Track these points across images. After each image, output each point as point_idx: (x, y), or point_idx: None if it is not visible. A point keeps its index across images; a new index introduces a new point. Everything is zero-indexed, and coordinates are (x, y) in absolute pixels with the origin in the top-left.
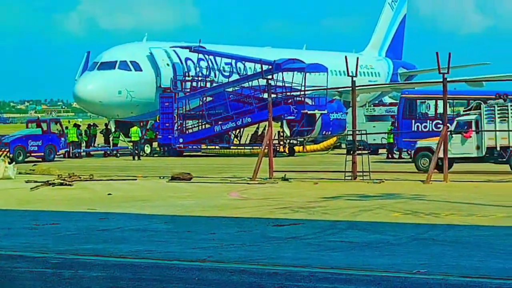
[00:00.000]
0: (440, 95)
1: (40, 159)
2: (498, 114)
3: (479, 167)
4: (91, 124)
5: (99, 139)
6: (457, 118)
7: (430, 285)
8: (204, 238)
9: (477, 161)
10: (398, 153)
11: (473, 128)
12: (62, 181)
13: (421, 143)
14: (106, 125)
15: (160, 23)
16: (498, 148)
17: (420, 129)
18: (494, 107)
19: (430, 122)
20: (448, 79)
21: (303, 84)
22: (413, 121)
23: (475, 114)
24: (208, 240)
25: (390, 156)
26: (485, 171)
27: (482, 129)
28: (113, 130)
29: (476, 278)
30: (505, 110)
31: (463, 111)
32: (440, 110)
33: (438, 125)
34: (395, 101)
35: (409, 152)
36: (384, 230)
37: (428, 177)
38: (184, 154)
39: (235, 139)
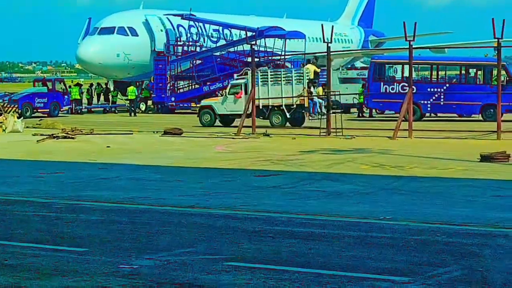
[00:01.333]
0: (406, 60)
1: (46, 115)
2: (269, 78)
3: (441, 126)
4: (93, 84)
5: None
6: (231, 82)
7: (395, 230)
8: (193, 187)
9: (246, 117)
10: (367, 111)
11: (243, 90)
12: (65, 135)
13: (203, 102)
14: (106, 84)
15: None
16: (261, 107)
17: (388, 91)
18: (266, 72)
19: (397, 84)
20: (413, 46)
21: (283, 49)
22: (382, 83)
23: (244, 78)
24: (196, 189)
25: (360, 115)
26: (447, 129)
27: (248, 91)
28: (112, 89)
29: (437, 224)
30: (278, 76)
31: (236, 75)
32: (406, 74)
33: (404, 87)
34: (366, 66)
35: (377, 111)
36: (355, 181)
37: (394, 133)
38: (176, 111)
39: None
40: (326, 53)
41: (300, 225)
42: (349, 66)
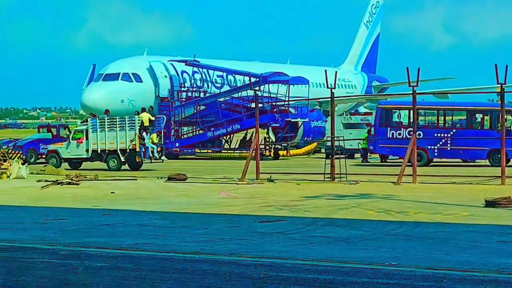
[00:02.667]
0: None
1: None
2: (106, 124)
3: (444, 172)
4: None
5: None
6: (75, 128)
7: (400, 276)
8: (198, 233)
9: (86, 160)
10: (371, 156)
11: (85, 136)
12: (70, 181)
13: (50, 147)
14: None
15: (159, 39)
16: (99, 151)
17: (394, 136)
18: (104, 120)
19: (404, 129)
20: (417, 92)
21: (287, 95)
22: (389, 128)
23: (86, 125)
24: (201, 235)
25: (364, 160)
26: (451, 175)
27: (89, 137)
28: None
29: (442, 270)
30: (113, 122)
31: (80, 122)
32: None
33: (411, 133)
34: (369, 111)
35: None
36: (359, 226)
37: (399, 178)
38: (180, 157)
39: (226, 143)
40: (330, 99)
41: (305, 271)
42: (353, 111)
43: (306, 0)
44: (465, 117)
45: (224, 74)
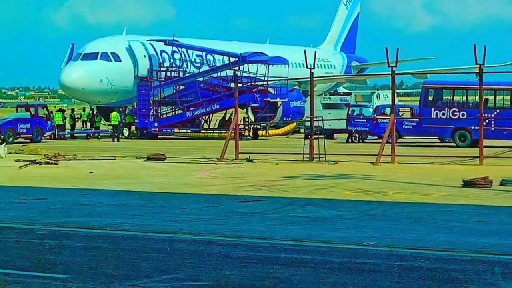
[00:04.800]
0: (459, 85)
1: (29, 140)
2: None
3: (423, 152)
4: (75, 109)
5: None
6: None
7: (378, 256)
8: (176, 213)
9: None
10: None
11: None
12: (48, 160)
13: None
14: (93, 110)
15: (139, 18)
16: None
17: (438, 116)
18: None
19: (448, 109)
20: (396, 72)
21: (266, 75)
22: (433, 109)
23: None
24: (179, 214)
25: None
26: (430, 155)
27: None
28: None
29: (420, 250)
30: None
31: None
32: (457, 98)
33: (455, 113)
34: (349, 91)
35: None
36: (338, 206)
37: (377, 159)
38: (159, 137)
39: (205, 123)
40: (309, 79)
41: (284, 251)
42: (332, 91)
43: None
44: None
45: (203, 53)
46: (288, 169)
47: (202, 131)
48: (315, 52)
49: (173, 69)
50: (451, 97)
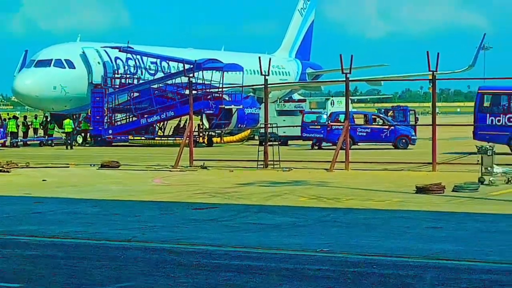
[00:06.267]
0: None
1: None
2: None
3: (378, 158)
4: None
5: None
6: None
7: (332, 262)
8: (130, 220)
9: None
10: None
11: None
12: (0, 168)
13: None
14: (46, 117)
15: (93, 25)
16: None
17: (494, 123)
18: None
19: (504, 116)
20: (350, 79)
21: (221, 81)
22: (488, 115)
23: None
24: (133, 222)
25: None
26: (384, 161)
27: None
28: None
29: (373, 256)
30: None
31: None
32: None
33: (511, 119)
34: (303, 98)
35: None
36: (291, 213)
37: (331, 165)
38: (113, 144)
39: (159, 130)
40: (263, 86)
41: (237, 258)
42: (287, 98)
43: None
44: None
45: (158, 60)
46: (242, 176)
47: (156, 138)
48: (270, 59)
49: (128, 76)
50: (508, 103)
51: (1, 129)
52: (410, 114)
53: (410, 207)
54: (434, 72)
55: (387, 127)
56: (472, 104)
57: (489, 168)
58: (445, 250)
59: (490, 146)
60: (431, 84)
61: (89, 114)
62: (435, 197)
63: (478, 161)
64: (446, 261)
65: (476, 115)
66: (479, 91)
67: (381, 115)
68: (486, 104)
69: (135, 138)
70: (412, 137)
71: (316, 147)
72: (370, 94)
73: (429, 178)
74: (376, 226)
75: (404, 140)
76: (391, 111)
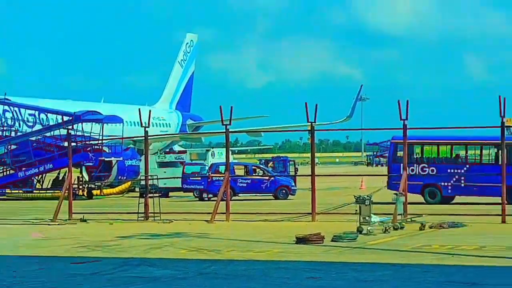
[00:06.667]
0: (428, 140)
1: None
2: None
3: (259, 209)
4: None
5: None
6: None
7: None
8: (6, 276)
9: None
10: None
11: None
12: None
13: None
14: None
15: None
16: None
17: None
18: None
19: (417, 165)
20: (230, 130)
21: (101, 133)
22: (401, 164)
23: None
24: (9, 277)
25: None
26: (264, 212)
27: None
28: None
29: None
30: None
31: None
32: (427, 154)
33: (424, 168)
34: (184, 149)
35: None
36: (172, 265)
37: (212, 217)
38: None
39: (38, 183)
40: (143, 137)
41: None
42: (167, 149)
43: (119, 40)
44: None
45: (36, 112)
46: (123, 228)
47: (35, 191)
48: (150, 110)
49: (5, 128)
50: (421, 153)
51: None
52: (290, 164)
53: (290, 258)
54: (313, 123)
55: (267, 178)
56: (351, 154)
57: (367, 218)
58: None
59: (367, 196)
60: (310, 135)
61: None
62: (315, 247)
63: (356, 210)
64: None
65: (389, 165)
66: (392, 141)
67: (261, 166)
68: (399, 154)
69: (12, 191)
70: (292, 188)
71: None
72: (251, 145)
73: (308, 228)
74: (256, 277)
75: (284, 191)
76: (271, 162)
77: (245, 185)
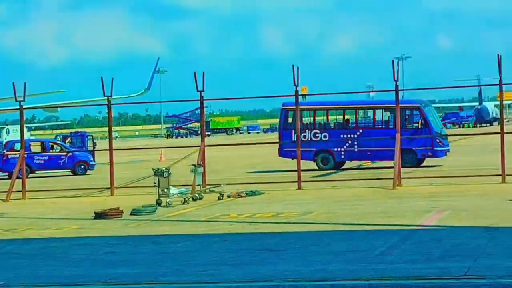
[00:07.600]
0: (319, 106)
1: None
2: None
3: (57, 185)
4: None
5: None
6: None
7: None
8: None
9: None
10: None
11: None
12: None
13: None
14: None
15: None
16: None
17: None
18: None
19: (309, 131)
20: (24, 106)
21: None
22: (293, 131)
23: None
24: None
25: None
26: (63, 189)
27: None
28: None
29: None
30: None
31: None
32: (319, 119)
33: (317, 134)
34: None
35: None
36: None
37: (7, 195)
38: None
39: None
40: None
41: None
42: None
43: None
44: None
45: None
46: None
47: None
48: None
49: None
50: (313, 119)
51: None
52: (88, 139)
53: (88, 234)
54: (109, 97)
55: (65, 154)
56: (151, 126)
57: (165, 190)
58: (123, 274)
59: (166, 168)
60: (108, 109)
61: None
62: (113, 222)
63: (155, 183)
64: (125, 285)
65: (280, 132)
66: (283, 107)
67: (58, 142)
68: (290, 120)
69: None
70: (91, 163)
71: None
72: (48, 121)
73: (108, 203)
74: (54, 255)
75: (82, 166)
76: (69, 138)
77: (42, 162)
